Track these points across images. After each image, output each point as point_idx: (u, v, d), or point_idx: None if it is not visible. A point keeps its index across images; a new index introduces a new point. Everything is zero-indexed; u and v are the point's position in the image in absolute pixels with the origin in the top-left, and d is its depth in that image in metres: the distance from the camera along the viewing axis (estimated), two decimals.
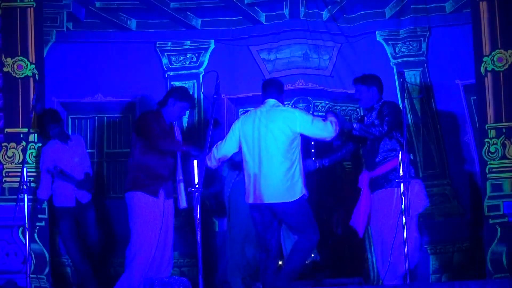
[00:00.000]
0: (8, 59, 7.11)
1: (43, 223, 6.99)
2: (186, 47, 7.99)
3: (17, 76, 7.11)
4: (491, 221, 7.07)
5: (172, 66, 7.97)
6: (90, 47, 7.82)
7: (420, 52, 7.84)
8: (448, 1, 7.79)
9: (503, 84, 7.15)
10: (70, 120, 7.68)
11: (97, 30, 7.89)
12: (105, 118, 7.72)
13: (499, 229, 7.05)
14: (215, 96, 5.93)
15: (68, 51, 7.80)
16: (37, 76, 7.03)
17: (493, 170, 7.12)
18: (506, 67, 7.14)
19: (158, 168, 6.51)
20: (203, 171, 5.68)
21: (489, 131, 7.13)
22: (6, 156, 7.03)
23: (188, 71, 7.97)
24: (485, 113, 7.14)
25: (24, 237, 6.50)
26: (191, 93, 6.97)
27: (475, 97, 7.48)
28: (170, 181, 6.61)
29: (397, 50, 7.90)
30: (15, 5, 7.17)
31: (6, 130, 7.04)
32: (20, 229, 6.91)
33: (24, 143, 6.99)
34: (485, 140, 7.13)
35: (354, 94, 6.85)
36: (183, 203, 6.66)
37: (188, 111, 7.02)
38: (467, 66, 7.62)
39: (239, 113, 7.79)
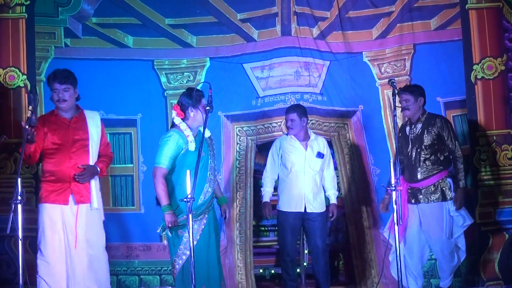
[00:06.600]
0: (0, 70, 7.11)
1: (35, 234, 6.95)
2: (183, 65, 7.98)
3: (9, 87, 7.11)
4: (482, 229, 7.11)
5: (171, 85, 7.97)
6: (89, 64, 7.77)
7: (404, 71, 7.89)
8: (434, 17, 7.83)
9: (493, 92, 7.21)
10: None
11: (95, 47, 7.85)
12: (108, 134, 7.66)
13: (491, 237, 7.09)
14: (207, 108, 5.89)
15: (68, 68, 7.77)
16: (29, 86, 7.01)
17: (484, 177, 7.16)
18: (495, 75, 7.21)
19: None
20: (195, 182, 5.64)
21: (479, 138, 7.18)
22: None
23: None
24: (475, 121, 7.19)
25: (17, 248, 6.48)
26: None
27: (457, 114, 7.55)
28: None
29: (382, 71, 7.95)
30: (7, 16, 7.17)
31: None
32: (12, 240, 6.89)
33: (16, 154, 6.97)
34: (476, 147, 7.17)
35: (401, 103, 6.85)
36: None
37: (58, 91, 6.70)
38: (448, 83, 7.68)
39: (235, 130, 7.83)
